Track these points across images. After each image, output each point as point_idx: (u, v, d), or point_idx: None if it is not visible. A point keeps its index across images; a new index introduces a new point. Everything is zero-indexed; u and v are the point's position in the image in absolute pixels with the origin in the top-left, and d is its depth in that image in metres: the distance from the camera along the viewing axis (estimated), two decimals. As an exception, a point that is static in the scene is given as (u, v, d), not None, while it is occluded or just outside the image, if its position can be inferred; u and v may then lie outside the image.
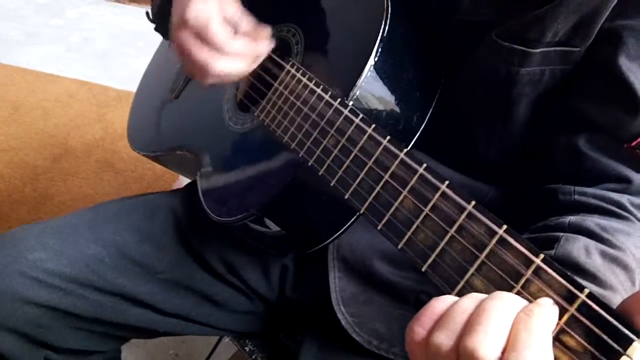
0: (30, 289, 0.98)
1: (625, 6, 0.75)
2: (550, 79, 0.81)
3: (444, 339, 0.46)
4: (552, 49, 0.79)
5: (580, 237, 0.73)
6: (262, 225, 0.94)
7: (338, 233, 0.91)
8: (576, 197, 0.79)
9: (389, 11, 0.84)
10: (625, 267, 0.72)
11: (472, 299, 0.47)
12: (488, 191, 0.91)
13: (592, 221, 0.75)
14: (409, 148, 0.58)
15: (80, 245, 1.03)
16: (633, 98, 0.76)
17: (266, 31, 0.92)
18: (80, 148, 2.44)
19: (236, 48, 0.89)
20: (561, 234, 0.74)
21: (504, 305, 0.44)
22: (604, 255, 0.71)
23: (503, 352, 0.43)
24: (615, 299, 0.68)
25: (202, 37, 0.87)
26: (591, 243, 0.72)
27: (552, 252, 0.72)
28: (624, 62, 0.76)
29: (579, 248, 0.71)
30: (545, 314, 0.44)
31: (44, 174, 2.31)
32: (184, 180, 1.19)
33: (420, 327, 0.48)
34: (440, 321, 0.47)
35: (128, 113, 1.37)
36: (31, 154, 2.39)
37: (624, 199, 0.78)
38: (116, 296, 1.03)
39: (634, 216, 0.77)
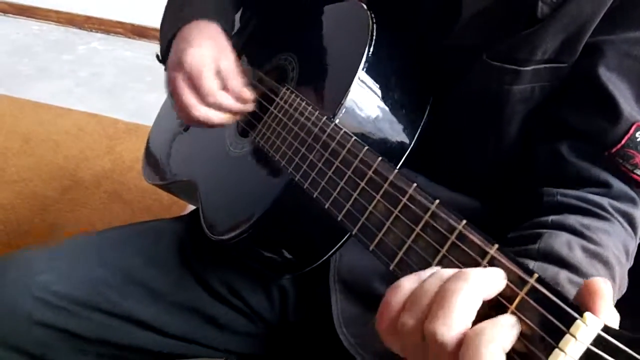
0: (38, 310, 0.99)
1: (606, 21, 0.78)
2: (540, 96, 0.84)
3: (409, 320, 0.47)
4: (541, 66, 0.82)
5: (562, 232, 0.75)
6: (256, 245, 0.97)
7: (329, 253, 0.94)
8: (559, 197, 0.81)
9: (374, 34, 0.88)
10: (605, 263, 0.73)
11: (436, 279, 0.48)
12: (479, 205, 0.93)
13: (574, 219, 0.77)
14: (398, 166, 0.61)
15: (88, 269, 1.05)
16: (613, 107, 0.79)
17: (250, 95, 0.99)
18: (89, 179, 2.48)
19: (220, 101, 0.97)
20: (544, 230, 0.76)
21: (468, 287, 0.45)
22: (585, 250, 0.73)
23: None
24: None
25: (193, 82, 0.95)
26: (573, 238, 0.74)
27: (535, 246, 0.74)
28: (604, 73, 0.79)
29: (562, 242, 0.73)
30: (498, 335, 0.43)
31: (54, 205, 2.34)
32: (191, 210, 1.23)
33: (388, 308, 0.49)
34: (407, 302, 0.48)
35: (137, 145, 1.41)
36: (41, 185, 2.42)
37: (604, 201, 0.80)
38: (122, 318, 1.04)
39: (615, 218, 0.79)
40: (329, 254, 0.94)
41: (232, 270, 1.09)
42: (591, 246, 0.74)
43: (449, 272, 0.48)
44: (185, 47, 0.97)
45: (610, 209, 0.79)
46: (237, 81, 0.99)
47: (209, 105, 0.97)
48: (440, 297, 0.45)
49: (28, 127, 2.77)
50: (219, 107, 0.97)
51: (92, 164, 2.56)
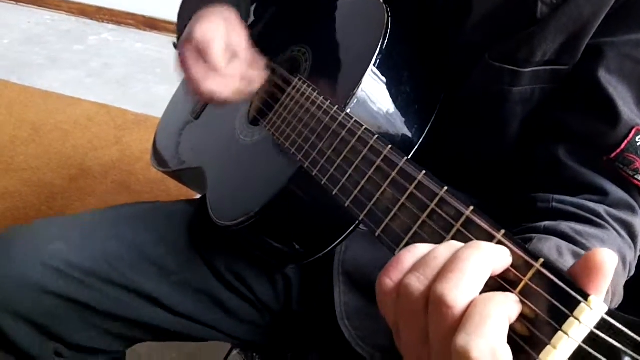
0: (49, 278, 1.00)
1: (607, 23, 0.78)
2: (541, 98, 0.84)
3: (415, 282, 0.46)
4: (541, 68, 0.81)
5: (553, 237, 0.74)
6: (261, 232, 0.97)
7: (334, 244, 0.94)
8: (554, 204, 0.81)
9: (389, 27, 0.89)
10: None
11: (448, 247, 0.47)
12: (479, 204, 0.93)
13: (567, 225, 0.76)
14: (408, 157, 0.61)
15: (101, 241, 1.06)
16: (612, 110, 0.78)
17: (262, 61, 1.00)
18: (97, 169, 2.49)
19: (229, 71, 0.96)
20: (535, 235, 0.75)
21: (479, 255, 0.45)
22: (576, 256, 0.71)
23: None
24: None
25: (202, 53, 0.95)
26: (563, 244, 0.72)
27: None
28: (604, 75, 0.78)
29: (551, 247, 0.71)
30: (506, 302, 0.44)
31: (61, 194, 2.35)
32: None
33: (395, 270, 0.49)
34: (414, 266, 0.48)
35: (145, 137, 1.42)
36: (49, 174, 2.44)
37: (600, 208, 0.78)
38: (132, 293, 1.05)
39: (610, 225, 0.78)
40: (334, 244, 0.94)
41: (239, 257, 1.10)
42: (583, 252, 0.72)
43: (460, 243, 0.48)
44: (196, 24, 0.97)
45: (607, 217, 0.78)
46: (248, 51, 0.98)
47: (218, 77, 0.96)
48: (451, 263, 0.45)
49: (38, 115, 2.78)
50: (229, 78, 0.97)
51: (101, 154, 2.57)
